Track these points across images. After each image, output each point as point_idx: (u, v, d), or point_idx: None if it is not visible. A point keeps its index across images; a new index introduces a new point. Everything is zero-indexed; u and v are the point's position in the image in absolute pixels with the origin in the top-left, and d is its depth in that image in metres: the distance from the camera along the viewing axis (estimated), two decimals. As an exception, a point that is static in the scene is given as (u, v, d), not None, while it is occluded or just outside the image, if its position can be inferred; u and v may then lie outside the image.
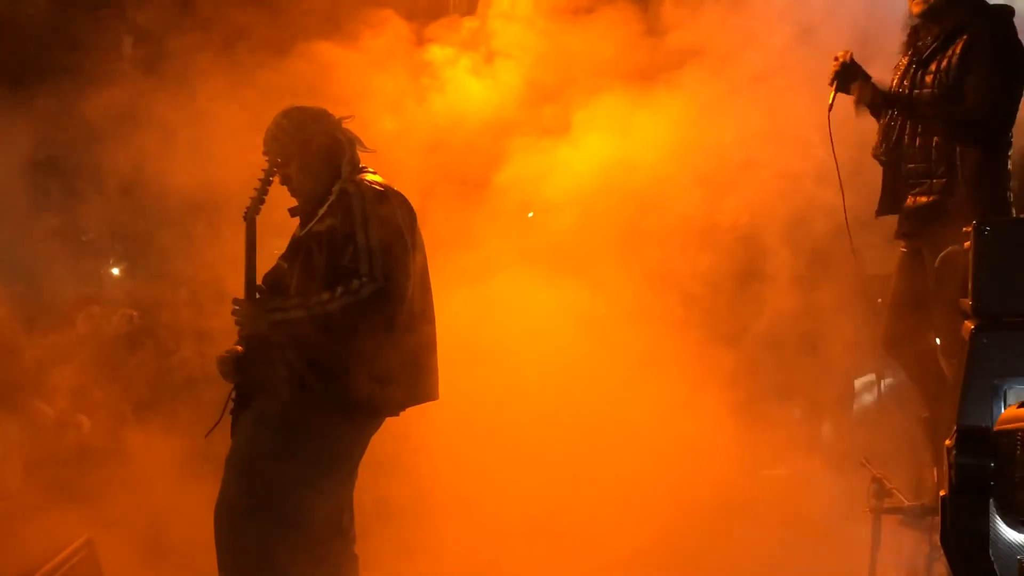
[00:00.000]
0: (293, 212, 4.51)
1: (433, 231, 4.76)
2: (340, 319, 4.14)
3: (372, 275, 4.14)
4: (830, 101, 5.00)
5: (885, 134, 5.04)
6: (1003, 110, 4.74)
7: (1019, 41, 4.79)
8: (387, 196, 4.34)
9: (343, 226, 4.23)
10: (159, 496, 6.11)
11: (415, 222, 4.46)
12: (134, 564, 5.70)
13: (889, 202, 5.03)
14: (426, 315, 4.46)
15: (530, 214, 7.61)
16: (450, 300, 4.85)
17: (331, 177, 4.41)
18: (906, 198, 4.96)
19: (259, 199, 4.33)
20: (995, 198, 4.69)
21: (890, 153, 5.02)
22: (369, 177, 4.41)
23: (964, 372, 3.57)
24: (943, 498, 3.17)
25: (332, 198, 4.34)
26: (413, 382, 4.39)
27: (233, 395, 4.40)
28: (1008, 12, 4.88)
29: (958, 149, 4.75)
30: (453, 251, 5.56)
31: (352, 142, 4.49)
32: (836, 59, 5.04)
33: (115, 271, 8.45)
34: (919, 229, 4.91)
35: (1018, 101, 4.78)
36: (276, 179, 4.40)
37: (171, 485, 6.23)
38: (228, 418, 4.43)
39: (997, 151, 4.76)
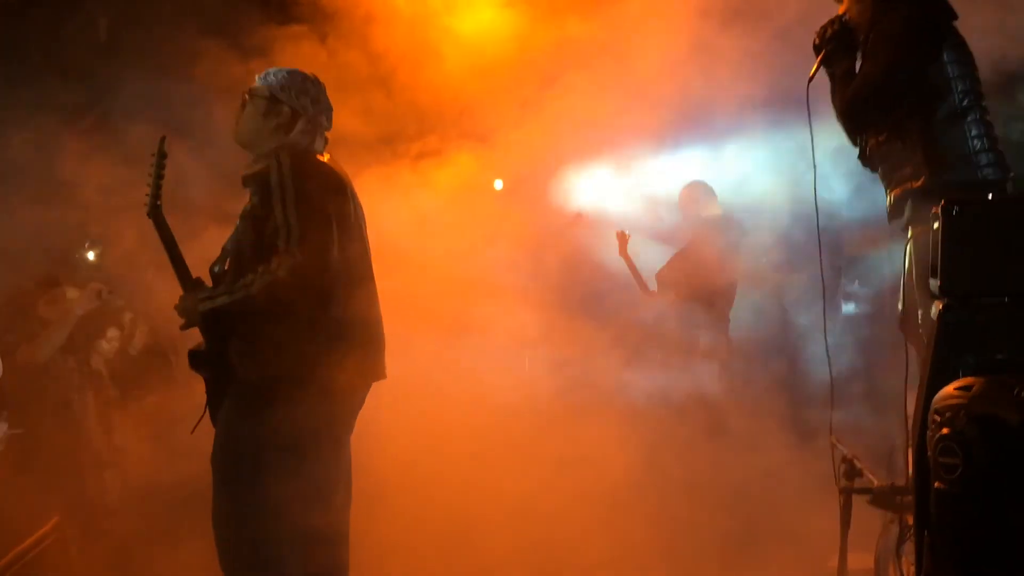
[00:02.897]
0: (244, 182, 4.41)
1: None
2: (263, 299, 4.09)
3: (289, 250, 4.08)
4: (812, 71, 4.88)
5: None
6: (901, 71, 4.63)
7: (922, 20, 4.66)
8: (308, 169, 4.27)
9: (263, 203, 4.19)
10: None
11: (347, 197, 4.39)
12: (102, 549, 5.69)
13: (888, 205, 4.96)
14: (365, 288, 4.42)
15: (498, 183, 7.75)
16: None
17: (270, 145, 4.37)
18: (888, 196, 4.91)
19: (155, 194, 4.28)
20: (964, 170, 4.64)
21: (864, 158, 5.00)
22: (303, 152, 4.36)
23: (931, 351, 3.58)
24: (938, 491, 3.17)
25: (256, 175, 4.29)
26: (357, 354, 4.33)
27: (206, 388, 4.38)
28: None
29: (912, 137, 4.70)
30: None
31: (319, 126, 4.46)
32: (832, 23, 4.88)
33: (90, 255, 8.34)
34: (903, 216, 4.87)
35: (923, 61, 4.62)
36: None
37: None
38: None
39: (947, 122, 4.69)
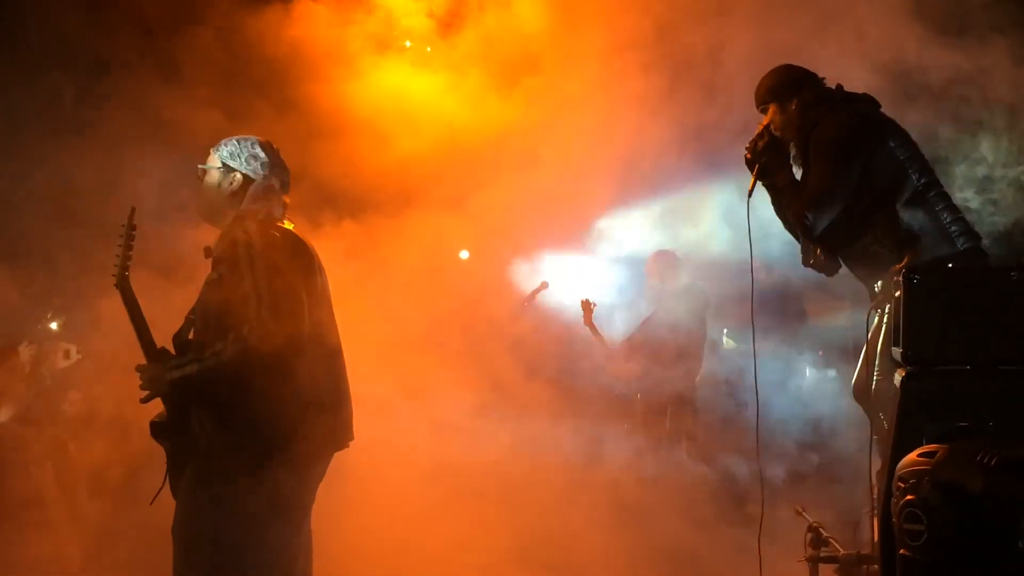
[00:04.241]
0: (207, 253, 4.39)
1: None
2: (233, 367, 4.05)
3: (260, 319, 4.05)
4: (750, 187, 4.97)
5: (803, 248, 5.11)
6: (848, 175, 4.78)
7: (854, 120, 4.83)
8: (277, 239, 4.27)
9: (231, 273, 4.16)
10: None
11: (313, 264, 4.39)
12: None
13: (872, 297, 5.00)
14: (332, 357, 4.39)
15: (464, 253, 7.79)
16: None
17: (226, 213, 4.38)
18: (873, 288, 4.96)
19: (123, 265, 4.26)
20: (943, 245, 4.70)
21: (813, 263, 5.08)
22: (265, 219, 4.35)
23: (896, 419, 3.61)
24: (903, 558, 3.17)
25: (223, 245, 4.28)
26: (326, 424, 4.29)
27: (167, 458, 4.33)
28: (836, 96, 4.97)
29: (883, 226, 4.78)
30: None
31: (271, 189, 4.44)
32: (761, 136, 5.01)
33: (53, 325, 8.28)
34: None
35: (867, 158, 4.77)
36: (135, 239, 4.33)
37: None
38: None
39: (912, 202, 4.78)
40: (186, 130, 6.63)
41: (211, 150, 4.49)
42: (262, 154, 4.46)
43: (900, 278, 3.61)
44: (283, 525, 4.24)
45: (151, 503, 4.28)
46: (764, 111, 5.06)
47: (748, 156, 5.00)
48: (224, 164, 4.42)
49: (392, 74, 7.59)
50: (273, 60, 7.13)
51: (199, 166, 4.47)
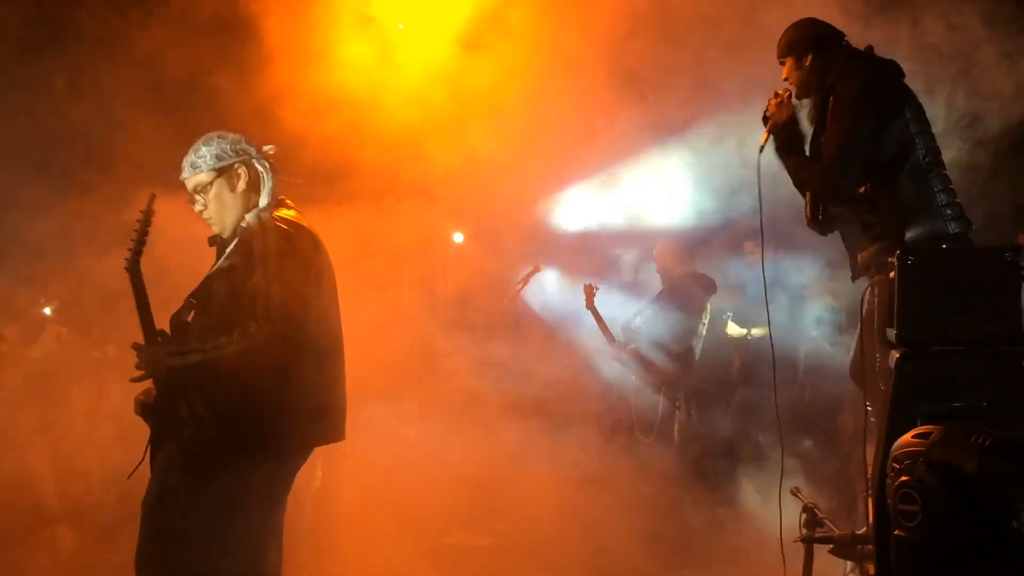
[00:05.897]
0: (211, 242, 4.40)
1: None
2: (236, 363, 4.03)
3: (268, 317, 4.03)
4: (762, 142, 4.95)
5: (810, 205, 5.07)
6: (853, 153, 4.72)
7: (878, 81, 4.77)
8: (291, 235, 4.23)
9: (243, 265, 4.14)
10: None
11: (322, 260, 4.36)
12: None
13: (853, 265, 5.02)
14: (333, 353, 4.37)
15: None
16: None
17: (246, 209, 4.32)
18: (856, 256, 4.96)
19: (137, 249, 4.23)
20: (934, 224, 4.68)
21: (816, 224, 5.05)
22: (281, 213, 4.32)
23: (890, 400, 3.61)
24: (898, 538, 3.18)
25: (238, 235, 4.26)
26: (316, 421, 4.27)
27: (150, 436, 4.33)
28: (862, 56, 4.90)
29: (880, 195, 4.75)
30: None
31: (270, 173, 4.42)
32: (776, 96, 4.99)
33: (47, 310, 8.27)
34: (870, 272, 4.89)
35: (883, 122, 4.71)
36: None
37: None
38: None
39: (913, 178, 4.75)
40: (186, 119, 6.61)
41: (186, 177, 4.38)
42: (230, 136, 4.41)
43: (895, 259, 3.61)
44: (253, 511, 4.23)
45: (128, 478, 4.28)
46: (783, 64, 5.03)
47: (766, 113, 4.98)
48: (218, 169, 4.35)
49: (379, 53, 7.51)
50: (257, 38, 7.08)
51: (197, 200, 4.36)
